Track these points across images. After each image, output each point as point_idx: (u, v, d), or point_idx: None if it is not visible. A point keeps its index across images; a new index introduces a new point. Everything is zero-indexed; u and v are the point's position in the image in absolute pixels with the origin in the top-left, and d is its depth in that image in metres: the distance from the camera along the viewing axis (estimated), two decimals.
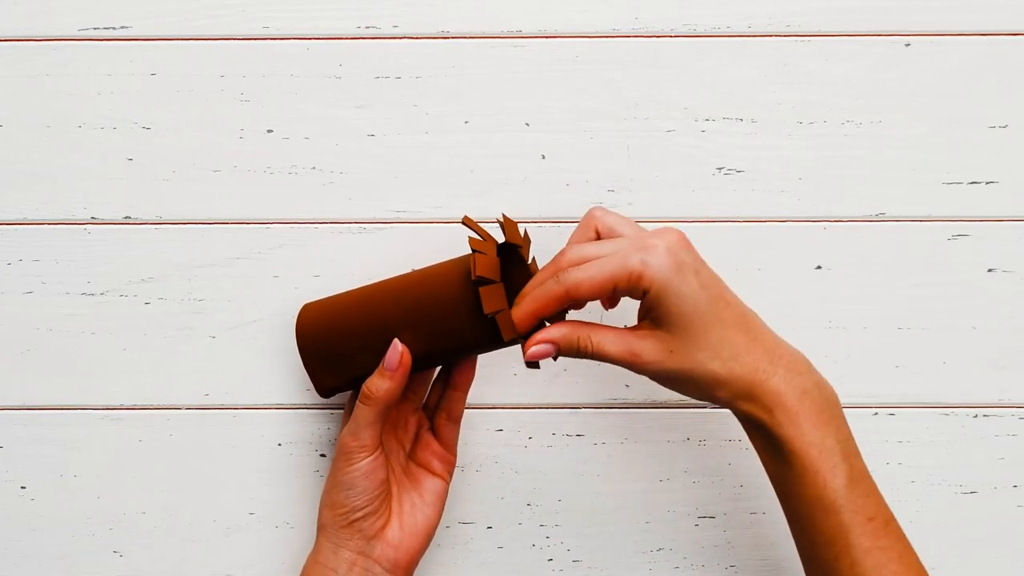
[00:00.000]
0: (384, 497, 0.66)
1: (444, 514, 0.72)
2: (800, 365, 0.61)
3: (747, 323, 0.61)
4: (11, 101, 0.72)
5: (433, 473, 0.68)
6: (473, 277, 0.60)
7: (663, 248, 0.59)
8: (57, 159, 0.72)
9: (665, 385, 0.62)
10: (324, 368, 0.66)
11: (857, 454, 0.61)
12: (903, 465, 0.72)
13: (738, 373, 0.60)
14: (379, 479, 0.65)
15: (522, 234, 0.65)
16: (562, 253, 0.62)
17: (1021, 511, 0.72)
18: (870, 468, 0.72)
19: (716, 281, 0.61)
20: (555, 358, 0.62)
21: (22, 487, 0.73)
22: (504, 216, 0.64)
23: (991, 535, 0.72)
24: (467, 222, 0.63)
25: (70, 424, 0.72)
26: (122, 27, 0.72)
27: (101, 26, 0.72)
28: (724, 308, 0.60)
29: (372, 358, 0.64)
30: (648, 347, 0.60)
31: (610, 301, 0.67)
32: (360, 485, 0.65)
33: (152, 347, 0.72)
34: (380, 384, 0.64)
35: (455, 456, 0.69)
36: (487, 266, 0.60)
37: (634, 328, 0.62)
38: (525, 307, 0.61)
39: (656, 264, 0.59)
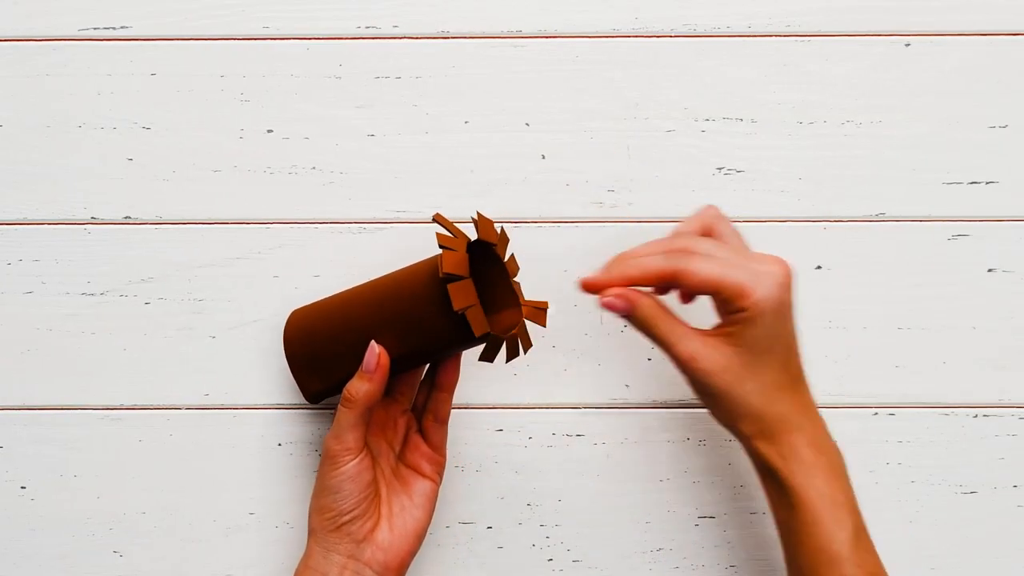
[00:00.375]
0: (372, 499, 0.66)
1: (444, 514, 0.72)
2: (824, 428, 0.63)
3: (798, 378, 0.63)
4: (11, 101, 0.72)
5: (423, 475, 0.68)
6: (441, 274, 0.60)
7: (777, 280, 0.60)
8: (57, 159, 0.72)
9: (699, 394, 0.63)
10: (309, 373, 0.67)
11: (860, 512, 0.62)
12: (903, 465, 0.72)
13: (771, 415, 0.61)
14: (365, 481, 0.65)
15: (498, 232, 0.65)
16: (676, 235, 0.63)
17: (1021, 511, 0.72)
18: (870, 468, 0.72)
19: (795, 331, 0.62)
20: (624, 317, 0.62)
21: (22, 487, 0.73)
22: (478, 214, 0.64)
23: (991, 535, 0.72)
24: (438, 219, 0.63)
25: (70, 424, 0.72)
26: (122, 27, 0.72)
27: (101, 26, 0.72)
28: (790, 357, 0.62)
29: (353, 361, 0.65)
30: (709, 356, 0.61)
31: (691, 298, 0.67)
32: (346, 488, 0.65)
33: (152, 347, 0.72)
34: (360, 387, 0.64)
35: (444, 457, 0.69)
36: (455, 263, 0.60)
37: (703, 332, 0.62)
38: (624, 270, 0.61)
39: (765, 293, 0.59)
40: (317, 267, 0.72)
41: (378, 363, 0.63)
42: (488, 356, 0.63)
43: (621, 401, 0.73)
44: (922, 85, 0.72)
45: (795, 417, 0.62)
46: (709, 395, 0.62)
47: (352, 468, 0.65)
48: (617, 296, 0.61)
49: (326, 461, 0.65)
